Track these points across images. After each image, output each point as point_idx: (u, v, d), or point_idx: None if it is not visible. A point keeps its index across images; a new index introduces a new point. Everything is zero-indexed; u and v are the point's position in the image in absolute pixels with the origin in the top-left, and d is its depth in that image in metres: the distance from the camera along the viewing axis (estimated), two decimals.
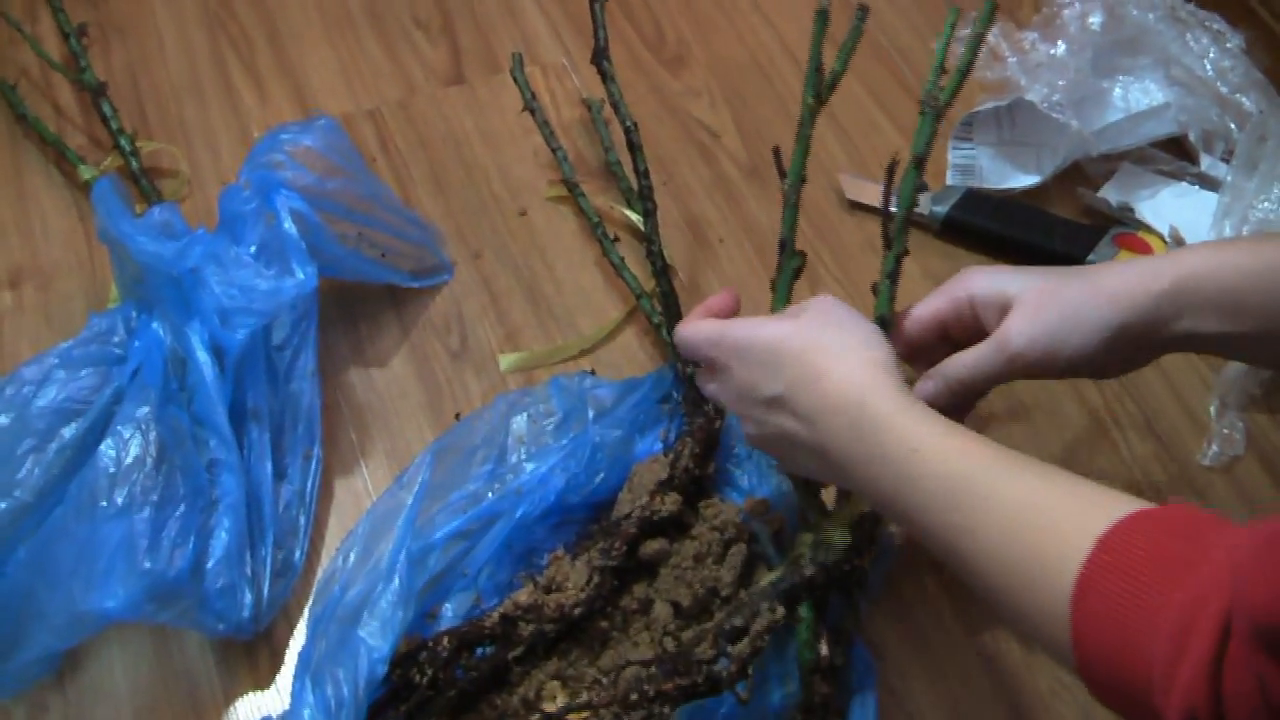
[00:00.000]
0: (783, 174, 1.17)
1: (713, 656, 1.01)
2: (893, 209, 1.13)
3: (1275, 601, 0.63)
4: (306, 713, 1.03)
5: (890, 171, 1.11)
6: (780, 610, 1.03)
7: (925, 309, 1.07)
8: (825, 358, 0.96)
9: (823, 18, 1.17)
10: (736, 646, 1.01)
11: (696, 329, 1.06)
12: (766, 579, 1.10)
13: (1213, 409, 1.30)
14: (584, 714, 1.02)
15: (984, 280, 1.03)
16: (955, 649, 1.17)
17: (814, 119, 1.18)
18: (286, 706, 1.09)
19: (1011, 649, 1.17)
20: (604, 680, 1.09)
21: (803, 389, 0.95)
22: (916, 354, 1.09)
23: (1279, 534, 0.66)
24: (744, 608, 1.04)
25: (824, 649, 1.07)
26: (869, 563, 1.10)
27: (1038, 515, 0.79)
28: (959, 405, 1.05)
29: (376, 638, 1.06)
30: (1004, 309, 1.01)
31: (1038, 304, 0.99)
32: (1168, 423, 1.32)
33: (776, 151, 1.18)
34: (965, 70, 1.13)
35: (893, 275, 1.12)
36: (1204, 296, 0.96)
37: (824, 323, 0.99)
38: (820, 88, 1.17)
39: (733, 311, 1.09)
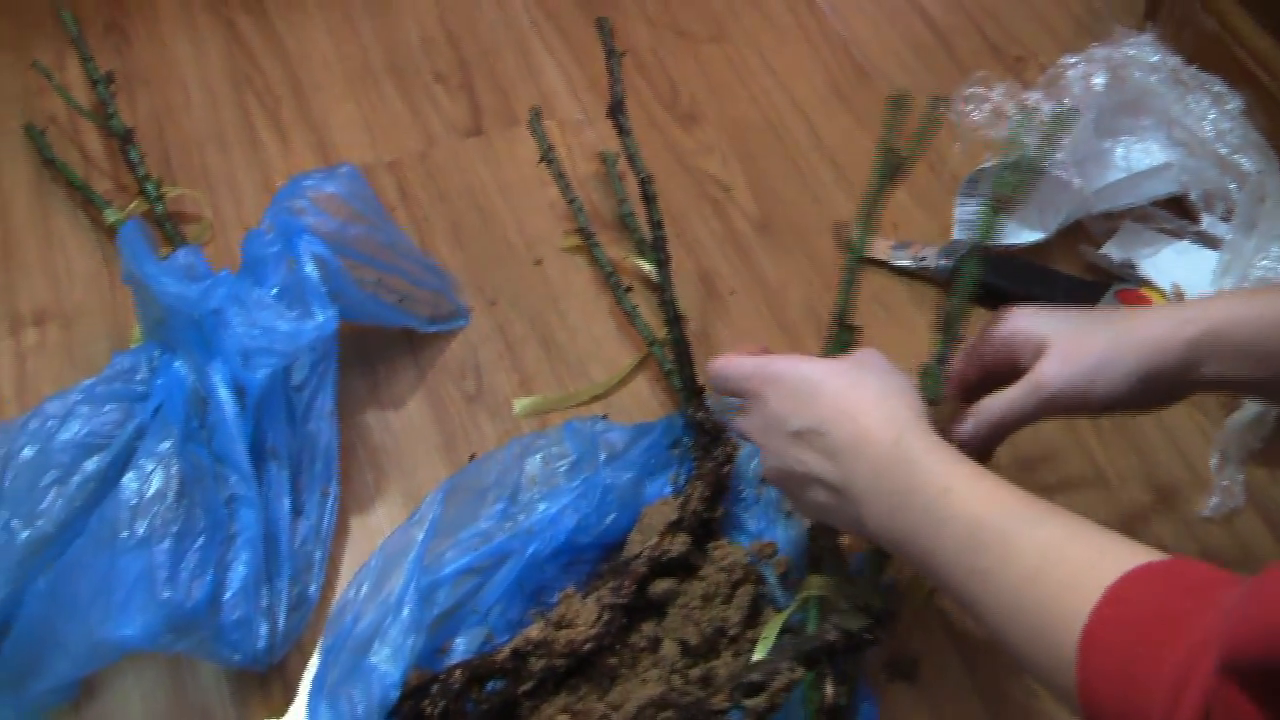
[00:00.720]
0: (847, 247, 1.21)
1: (728, 708, 1.03)
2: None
3: (1251, 639, 0.65)
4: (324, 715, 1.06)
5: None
6: (800, 671, 1.04)
7: (971, 355, 1.12)
8: (863, 397, 0.98)
9: (897, 104, 1.21)
10: (752, 701, 1.02)
11: (738, 362, 1.08)
12: (776, 622, 1.12)
13: (1213, 462, 1.32)
14: None
15: (1024, 322, 1.07)
16: (958, 692, 1.19)
17: (879, 199, 1.22)
18: None
19: (1015, 697, 1.18)
20: (613, 716, 1.10)
21: (836, 425, 0.97)
22: (961, 391, 1.13)
23: (1265, 578, 0.68)
24: (763, 665, 1.04)
25: (829, 690, 1.09)
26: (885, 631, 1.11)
27: (1053, 564, 0.81)
28: (990, 443, 1.09)
29: (387, 664, 1.08)
30: (1039, 350, 1.04)
31: (1072, 348, 1.03)
32: (1168, 475, 1.33)
33: (839, 228, 1.22)
34: None
35: (942, 359, 1.15)
36: (1231, 345, 0.99)
37: (865, 369, 1.02)
38: (890, 169, 1.21)
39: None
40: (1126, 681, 0.73)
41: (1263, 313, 0.99)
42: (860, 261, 1.20)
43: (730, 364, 1.09)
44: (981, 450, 1.09)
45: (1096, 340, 1.02)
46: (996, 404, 1.06)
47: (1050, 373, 1.03)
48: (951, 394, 1.13)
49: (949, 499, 0.89)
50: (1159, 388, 1.02)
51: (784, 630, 1.12)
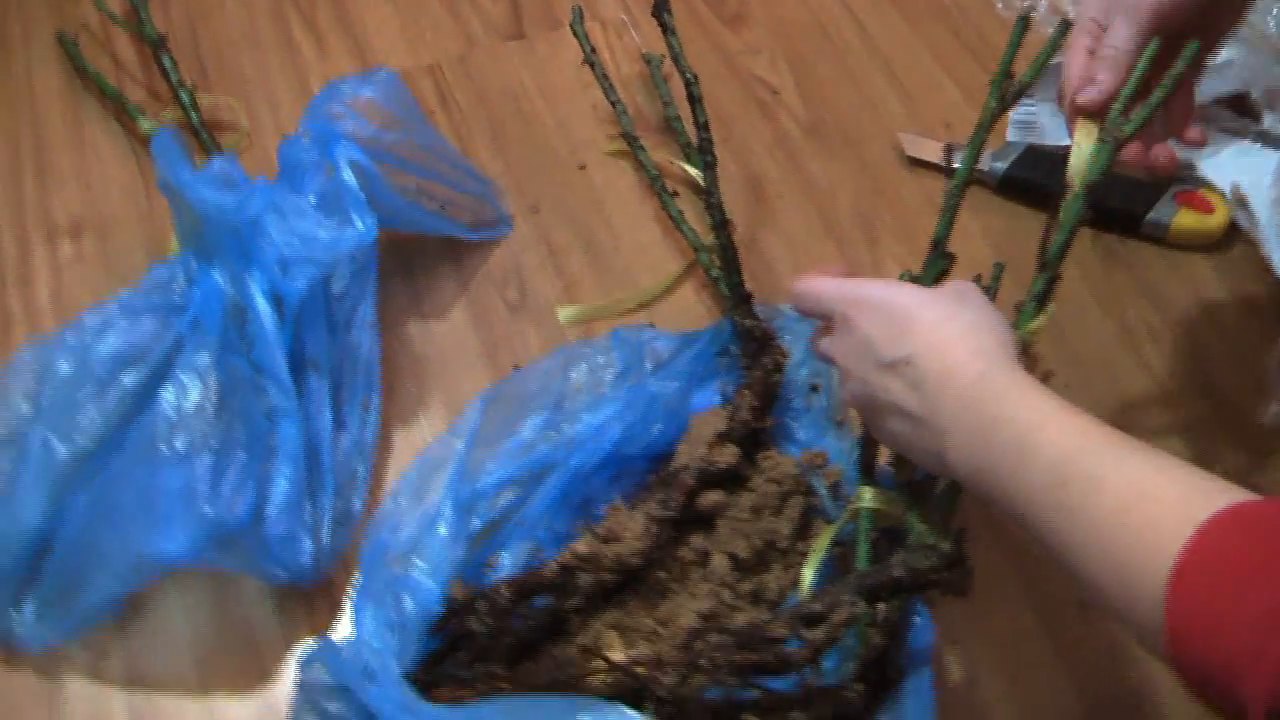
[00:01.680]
0: (949, 173, 1.16)
1: (785, 636, 1.00)
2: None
3: None
4: (371, 626, 1.04)
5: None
6: (862, 605, 1.01)
7: (1076, 51, 1.10)
8: (954, 329, 0.95)
9: (1023, 23, 1.17)
10: (812, 632, 1.00)
11: (828, 282, 1.04)
12: (826, 535, 1.10)
13: (1273, 369, 1.29)
14: (647, 667, 1.03)
15: None
16: (1012, 607, 1.17)
17: (993, 123, 1.17)
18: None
19: (1069, 613, 1.16)
20: (661, 632, 1.09)
21: (925, 356, 0.94)
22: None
23: None
24: (825, 596, 1.01)
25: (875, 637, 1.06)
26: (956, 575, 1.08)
27: (1142, 500, 0.78)
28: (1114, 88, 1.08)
29: (427, 578, 1.07)
30: None
31: None
32: (1227, 384, 1.30)
33: (948, 149, 1.18)
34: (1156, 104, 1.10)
35: (1041, 298, 1.11)
36: None
37: (960, 301, 0.98)
38: (1006, 92, 1.16)
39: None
40: (1215, 621, 0.70)
41: None
42: (966, 184, 1.15)
43: (819, 284, 1.04)
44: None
45: None
46: (1106, 49, 1.07)
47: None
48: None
49: (1036, 434, 0.86)
50: None
51: (834, 543, 1.10)
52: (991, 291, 1.20)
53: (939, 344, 0.94)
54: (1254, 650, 0.67)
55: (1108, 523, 0.79)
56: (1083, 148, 1.10)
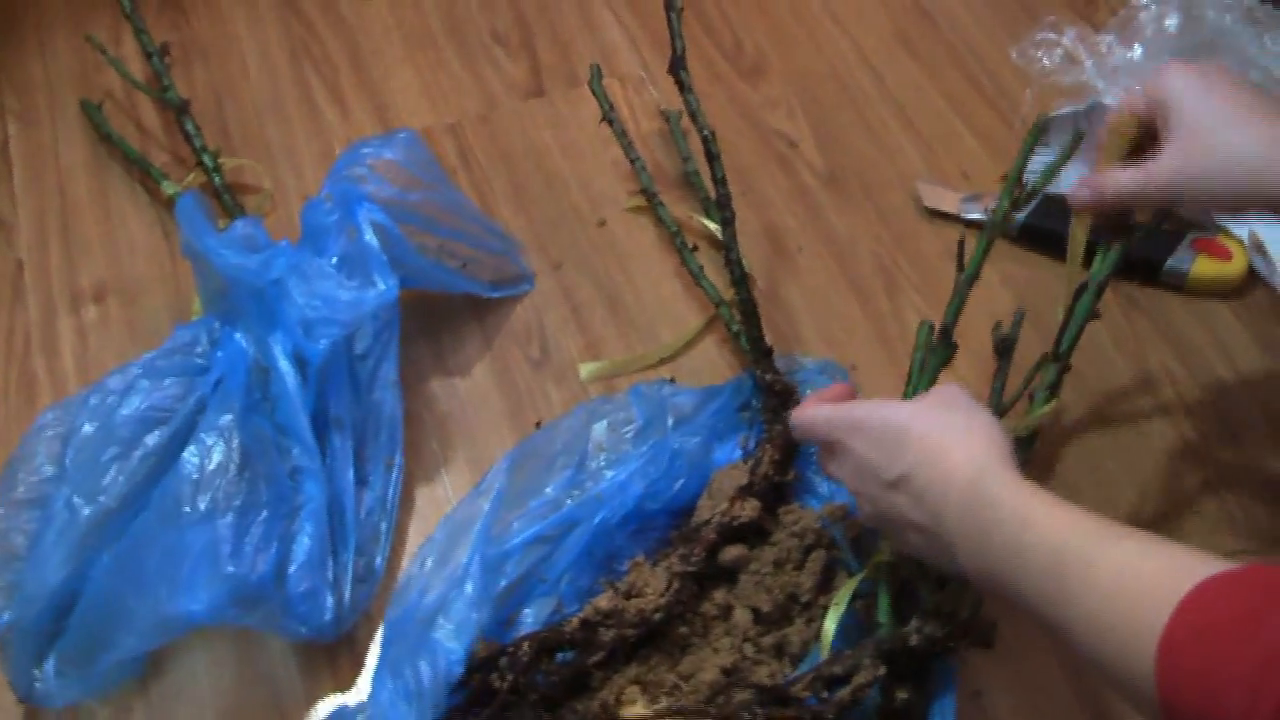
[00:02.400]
0: (961, 266, 1.18)
1: (806, 697, 1.03)
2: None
3: None
4: (386, 697, 1.05)
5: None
6: (881, 668, 1.03)
7: (1134, 100, 1.09)
8: (948, 438, 0.97)
9: (1036, 131, 1.21)
10: (837, 693, 1.02)
11: (814, 412, 1.07)
12: (848, 588, 1.10)
13: None
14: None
15: (1166, 83, 1.05)
16: (1038, 657, 1.16)
17: (1004, 220, 1.20)
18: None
19: (1115, 699, 1.15)
20: (683, 685, 1.09)
21: (923, 469, 0.97)
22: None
23: None
24: (846, 659, 1.03)
25: (900, 694, 1.06)
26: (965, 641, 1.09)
27: (1131, 581, 0.81)
28: (1106, 211, 1.11)
29: (451, 640, 1.07)
30: (1165, 125, 1.04)
31: (1196, 142, 1.01)
32: (1250, 429, 1.30)
33: (960, 245, 1.18)
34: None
35: (1053, 387, 1.16)
36: None
37: (947, 408, 1.00)
38: (1018, 197, 1.21)
39: (848, 398, 1.10)
40: (1204, 685, 0.73)
41: None
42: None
43: (809, 414, 1.07)
44: (1100, 214, 1.11)
45: (1228, 139, 1.00)
46: (1110, 179, 1.07)
47: (1161, 169, 1.03)
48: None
49: (1028, 531, 0.89)
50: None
51: (855, 597, 1.10)
52: (1011, 340, 1.20)
53: (932, 455, 0.97)
54: (1243, 709, 0.69)
55: (1101, 607, 0.81)
56: (1077, 237, 1.15)
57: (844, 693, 1.02)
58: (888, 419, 1.01)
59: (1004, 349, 1.21)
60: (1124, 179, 1.05)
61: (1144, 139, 1.10)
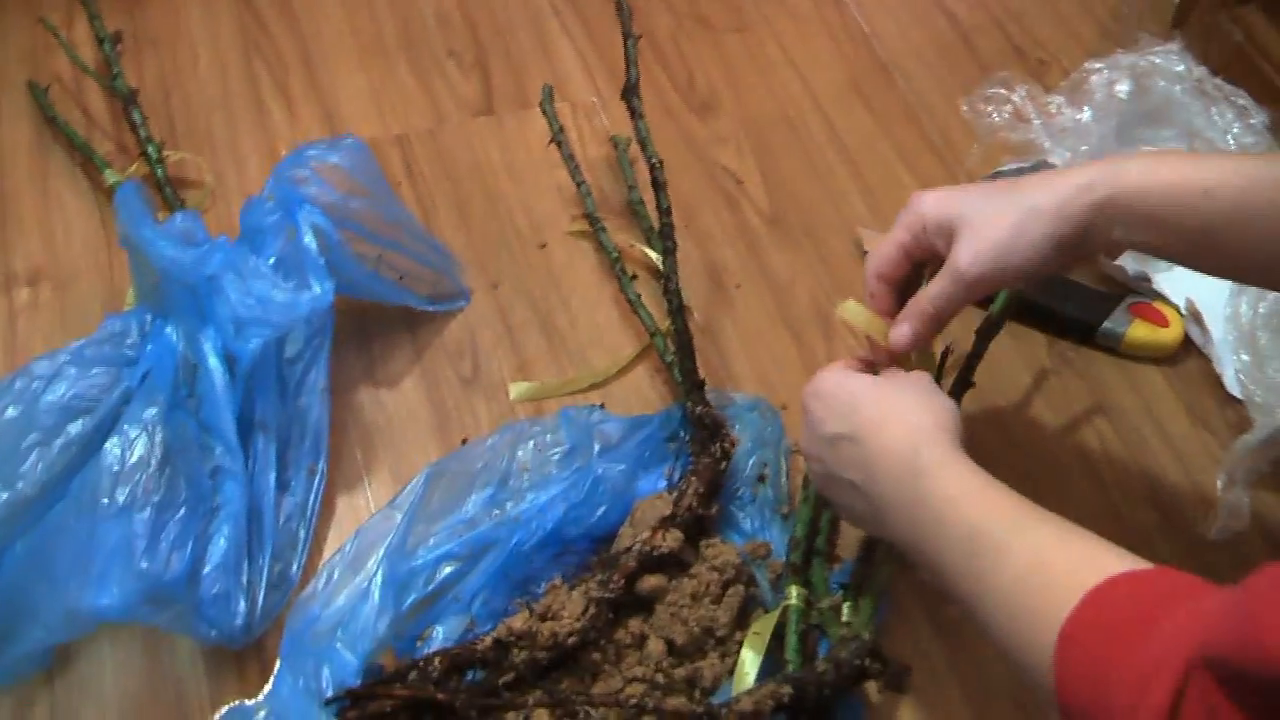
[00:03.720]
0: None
1: None
2: None
3: (1239, 639, 0.65)
4: (285, 694, 1.06)
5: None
6: (788, 691, 1.05)
7: (891, 243, 1.11)
8: (894, 411, 1.02)
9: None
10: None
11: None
12: (763, 625, 1.11)
13: (1220, 483, 1.29)
14: None
15: (932, 210, 1.07)
16: (949, 702, 1.17)
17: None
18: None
19: (1004, 709, 1.16)
20: (593, 712, 1.08)
21: (868, 435, 1.01)
22: (890, 281, 1.13)
23: (1260, 575, 0.68)
24: (755, 694, 1.04)
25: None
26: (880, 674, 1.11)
27: (1042, 568, 0.83)
28: (928, 338, 1.12)
29: (348, 650, 1.08)
30: (951, 235, 1.05)
31: (982, 229, 1.03)
32: (1173, 496, 1.31)
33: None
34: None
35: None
36: (1135, 214, 1.00)
37: (904, 386, 1.06)
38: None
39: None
40: (1098, 678, 0.75)
41: (1168, 185, 0.99)
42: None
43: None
44: (921, 344, 1.12)
45: (1004, 217, 1.03)
46: (925, 302, 1.08)
47: (966, 259, 1.03)
48: (876, 291, 1.13)
49: (953, 507, 0.92)
50: (1069, 251, 1.03)
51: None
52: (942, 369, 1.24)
53: (880, 422, 1.01)
54: (1128, 706, 0.70)
55: (1011, 589, 0.84)
56: (930, 361, 1.19)
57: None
58: (844, 383, 1.06)
59: None
60: (934, 292, 1.07)
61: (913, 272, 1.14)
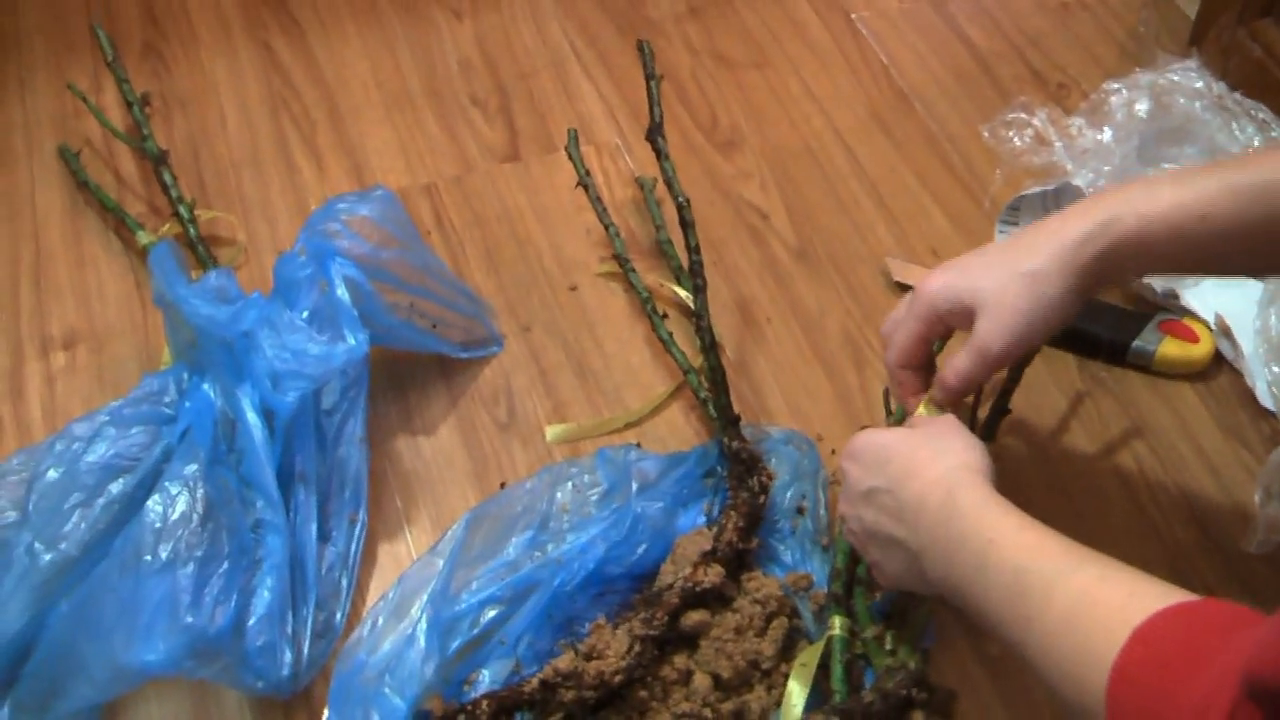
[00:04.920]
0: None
1: None
2: None
3: (1273, 660, 0.66)
4: None
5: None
6: None
7: (907, 334, 1.12)
8: (925, 457, 1.03)
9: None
10: None
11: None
12: (809, 656, 1.11)
13: (1258, 497, 1.29)
14: None
15: (943, 297, 1.09)
16: None
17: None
18: None
19: None
20: None
21: (901, 484, 1.02)
22: (913, 368, 1.15)
23: None
24: None
25: None
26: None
27: (1089, 607, 0.83)
28: (958, 408, 1.14)
29: (396, 696, 1.08)
30: (969, 315, 1.06)
31: (999, 309, 1.04)
32: (1211, 511, 1.31)
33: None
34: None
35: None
36: (1139, 253, 1.02)
37: (934, 434, 1.06)
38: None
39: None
40: (1152, 715, 0.74)
41: (1164, 213, 1.00)
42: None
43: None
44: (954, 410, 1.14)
45: (1016, 288, 1.04)
46: (953, 377, 1.09)
47: (991, 338, 1.05)
48: (903, 379, 1.15)
49: (994, 550, 0.92)
50: (1088, 295, 1.05)
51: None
52: (971, 416, 1.23)
53: (912, 471, 1.02)
54: None
55: (1058, 629, 0.84)
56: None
57: None
58: (874, 439, 1.08)
59: None
60: (962, 370, 1.08)
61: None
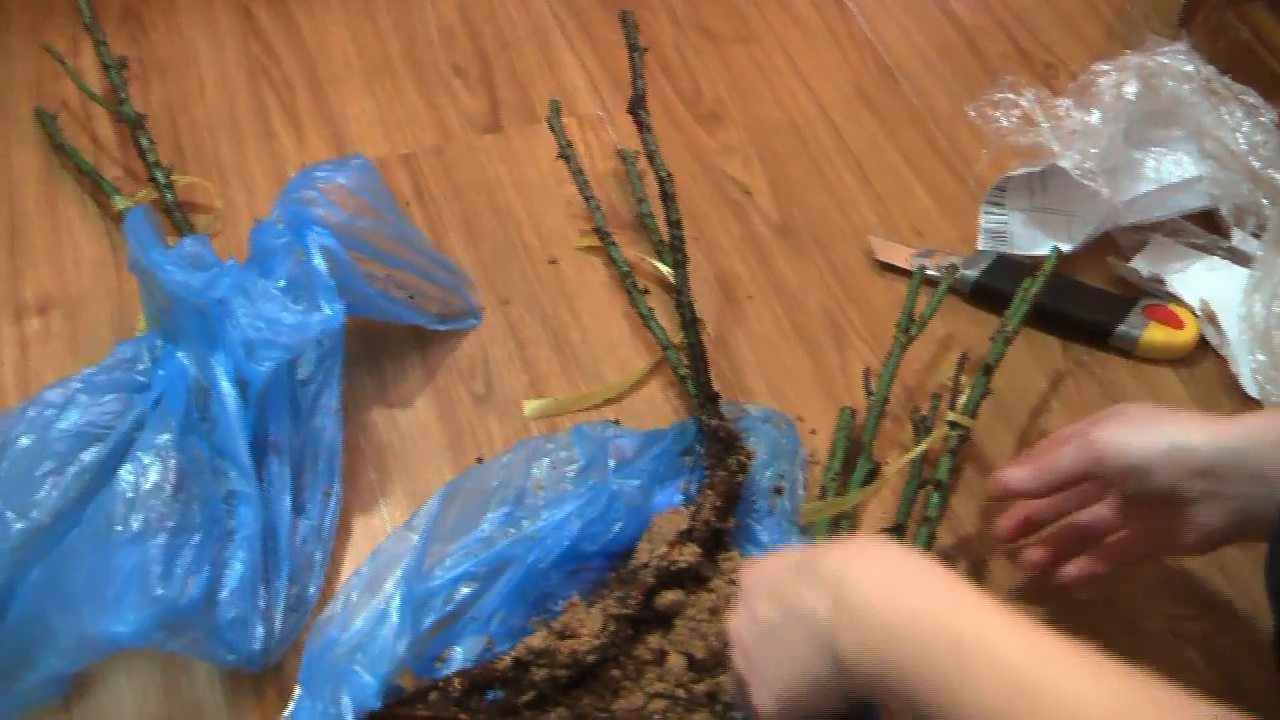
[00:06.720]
0: (869, 391, 1.27)
1: None
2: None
3: None
4: (305, 717, 1.06)
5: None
6: None
7: (1060, 466, 1.08)
8: (862, 539, 0.94)
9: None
10: None
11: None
12: None
13: None
14: None
15: (1118, 457, 1.04)
16: None
17: (903, 352, 1.27)
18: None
19: None
20: None
21: (830, 553, 0.88)
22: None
23: None
24: None
25: None
26: None
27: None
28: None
29: (367, 672, 1.07)
30: (1141, 480, 1.02)
31: (1208, 509, 1.01)
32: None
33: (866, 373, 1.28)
34: None
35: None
36: None
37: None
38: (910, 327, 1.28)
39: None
40: None
41: None
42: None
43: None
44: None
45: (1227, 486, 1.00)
46: (1130, 550, 1.12)
47: (1194, 539, 1.04)
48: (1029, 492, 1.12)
49: (979, 636, 0.77)
50: None
51: None
52: (951, 386, 1.25)
53: (843, 546, 0.89)
54: None
55: None
56: None
57: None
58: (803, 549, 0.93)
59: (921, 429, 1.28)
60: (1142, 548, 1.11)
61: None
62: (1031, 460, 1.10)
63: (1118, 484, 1.07)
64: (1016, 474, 1.11)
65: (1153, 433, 1.03)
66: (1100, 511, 1.13)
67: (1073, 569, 1.14)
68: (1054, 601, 1.20)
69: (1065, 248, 1.42)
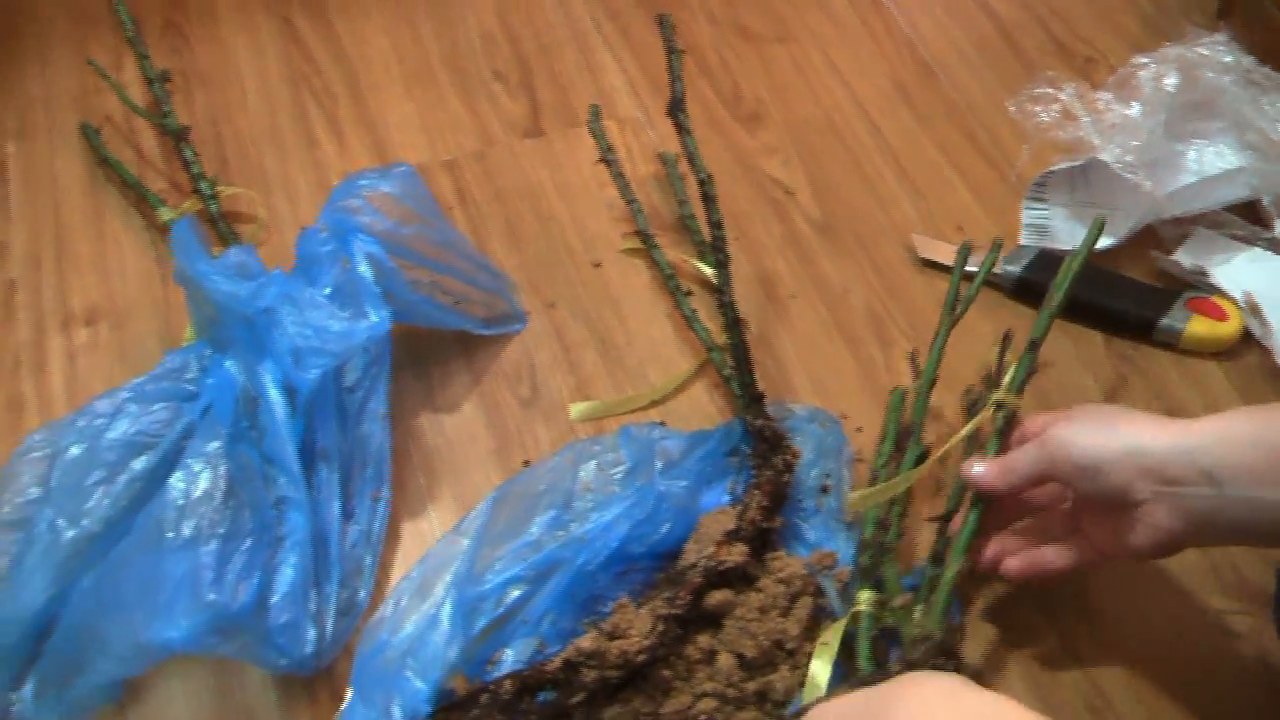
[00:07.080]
0: (916, 374, 1.27)
1: None
2: None
3: None
4: None
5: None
6: None
7: (1019, 468, 1.10)
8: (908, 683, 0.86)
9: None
10: None
11: None
12: (832, 634, 1.10)
13: None
14: None
15: (1071, 458, 1.06)
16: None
17: (948, 332, 1.28)
18: None
19: (1074, 704, 1.15)
20: None
21: (880, 695, 0.84)
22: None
23: None
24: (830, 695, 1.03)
25: None
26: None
27: None
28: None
29: (419, 678, 1.08)
30: (1094, 480, 1.04)
31: (1160, 511, 1.02)
32: None
33: (913, 354, 1.27)
34: None
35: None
36: None
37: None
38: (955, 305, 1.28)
39: None
40: None
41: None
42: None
43: None
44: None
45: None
46: (1057, 558, 1.12)
47: (1147, 543, 1.04)
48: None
49: None
50: None
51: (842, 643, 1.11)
52: (996, 366, 1.27)
53: (908, 692, 0.84)
54: None
55: None
56: None
57: None
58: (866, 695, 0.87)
59: (972, 411, 1.27)
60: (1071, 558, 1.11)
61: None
62: (994, 460, 1.13)
63: (1073, 484, 1.08)
64: (980, 472, 1.12)
65: (1107, 433, 1.05)
66: (1057, 511, 1.16)
67: (1015, 562, 1.14)
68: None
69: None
